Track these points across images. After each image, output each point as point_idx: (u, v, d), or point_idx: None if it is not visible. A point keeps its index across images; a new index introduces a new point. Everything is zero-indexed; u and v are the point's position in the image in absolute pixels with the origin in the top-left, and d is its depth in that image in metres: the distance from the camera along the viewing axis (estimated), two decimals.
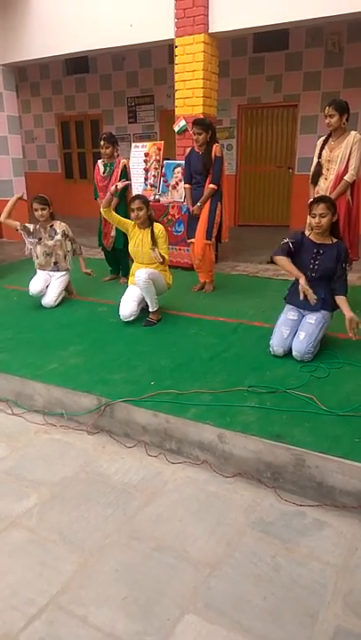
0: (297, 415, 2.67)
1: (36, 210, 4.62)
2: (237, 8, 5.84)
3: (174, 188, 6.41)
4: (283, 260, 3.38)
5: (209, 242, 5.00)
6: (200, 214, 4.95)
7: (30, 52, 7.73)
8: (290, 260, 3.39)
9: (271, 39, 8.11)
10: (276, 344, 3.41)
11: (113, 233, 5.47)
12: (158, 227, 4.17)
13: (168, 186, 6.49)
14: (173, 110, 6.56)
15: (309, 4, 5.47)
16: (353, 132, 4.10)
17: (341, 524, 2.17)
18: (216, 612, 1.75)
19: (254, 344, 3.68)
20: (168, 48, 7.59)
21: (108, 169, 5.39)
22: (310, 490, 2.32)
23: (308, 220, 3.40)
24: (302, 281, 3.30)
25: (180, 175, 6.23)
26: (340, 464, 2.25)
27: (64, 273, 4.84)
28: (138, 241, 4.20)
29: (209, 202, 4.92)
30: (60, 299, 4.78)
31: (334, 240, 3.44)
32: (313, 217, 3.33)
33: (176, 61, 6.31)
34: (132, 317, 4.17)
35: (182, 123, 6.33)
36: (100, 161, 5.53)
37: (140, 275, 4.02)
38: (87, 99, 10.90)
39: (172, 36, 6.26)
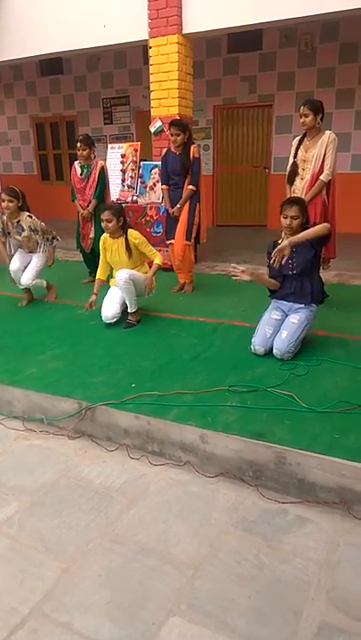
0: (277, 413, 2.69)
1: (3, 201, 4.52)
2: (211, 8, 5.86)
3: (152, 189, 6.40)
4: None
5: (188, 242, 5.01)
6: (179, 215, 4.96)
7: (3, 53, 7.62)
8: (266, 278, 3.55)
9: (245, 40, 8.16)
10: (258, 343, 3.43)
11: (92, 235, 5.43)
12: (133, 234, 4.12)
13: (145, 187, 6.48)
14: (149, 111, 6.55)
15: (282, 5, 5.51)
16: (328, 132, 4.14)
17: (323, 519, 2.19)
18: (201, 613, 1.75)
19: (234, 343, 3.69)
20: (143, 49, 7.56)
21: (85, 170, 5.35)
22: (292, 487, 2.33)
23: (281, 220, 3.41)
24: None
25: (157, 176, 6.23)
26: (320, 460, 2.27)
27: (41, 255, 4.80)
28: (114, 251, 4.17)
29: (188, 203, 4.92)
30: (36, 277, 4.76)
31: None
32: (285, 218, 3.34)
33: (151, 62, 6.30)
34: (115, 319, 4.15)
35: (158, 123, 6.32)
36: (76, 162, 5.49)
37: (120, 275, 4.01)
38: (62, 100, 10.82)
39: (146, 37, 6.25)
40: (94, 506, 2.31)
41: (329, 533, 2.11)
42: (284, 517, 2.21)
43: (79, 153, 5.32)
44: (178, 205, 4.91)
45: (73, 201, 5.53)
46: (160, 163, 5.30)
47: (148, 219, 6.22)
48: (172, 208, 4.97)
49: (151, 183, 6.38)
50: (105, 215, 4.02)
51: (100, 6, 6.56)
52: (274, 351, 3.37)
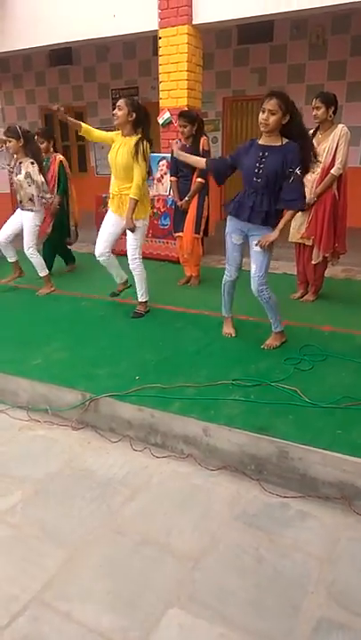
0: (281, 408, 2.68)
1: (5, 142, 4.48)
2: None
3: (159, 181, 6.37)
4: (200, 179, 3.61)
5: (197, 236, 5.00)
6: (188, 208, 4.93)
7: (12, 43, 7.60)
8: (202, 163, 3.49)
9: (255, 31, 8.06)
10: (233, 269, 3.53)
11: (49, 229, 5.38)
12: (143, 146, 3.82)
13: (153, 179, 6.44)
14: (158, 102, 6.51)
15: None
16: (340, 125, 4.08)
17: (324, 514, 2.19)
18: (200, 605, 1.76)
19: (239, 337, 3.68)
20: (152, 39, 7.51)
21: (44, 164, 5.29)
22: (294, 481, 2.33)
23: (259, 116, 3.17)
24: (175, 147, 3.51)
25: (164, 168, 6.20)
26: (322, 455, 2.27)
27: (31, 216, 4.65)
28: (115, 149, 3.90)
29: (197, 196, 4.90)
30: (33, 246, 4.73)
31: (285, 141, 3.14)
32: (262, 112, 3.06)
33: (160, 53, 6.26)
34: (103, 258, 4.15)
35: (166, 115, 6.29)
36: None
37: (131, 261, 4.04)
38: (71, 91, 10.78)
39: (156, 27, 6.20)
40: (97, 496, 2.32)
41: (330, 528, 2.11)
42: (285, 512, 2.22)
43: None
44: (186, 198, 4.89)
45: None
46: (168, 155, 5.27)
47: (155, 211, 6.19)
48: (181, 200, 4.95)
49: (158, 175, 6.35)
50: (119, 102, 3.77)
51: None
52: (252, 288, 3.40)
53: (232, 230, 3.43)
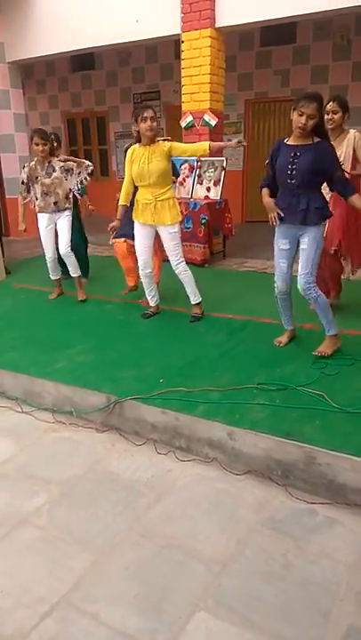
0: (307, 412, 2.65)
1: (37, 144, 4.42)
2: (244, 1, 5.80)
3: (181, 184, 6.39)
4: (263, 192, 3.35)
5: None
6: None
7: (36, 49, 7.73)
8: (268, 192, 3.32)
9: (278, 33, 8.04)
10: (279, 280, 3.40)
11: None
12: (168, 143, 3.89)
13: (175, 182, 6.45)
14: (180, 106, 6.54)
15: None
16: (352, 131, 3.95)
17: (353, 521, 2.15)
18: (227, 610, 1.75)
19: (263, 341, 3.65)
20: (174, 43, 7.55)
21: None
22: (321, 487, 2.30)
23: (292, 117, 3.12)
24: (270, 203, 3.27)
25: (187, 171, 6.22)
26: (351, 461, 2.23)
27: (67, 213, 4.65)
28: (143, 159, 3.84)
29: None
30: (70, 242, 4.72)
31: (316, 140, 3.14)
32: (300, 115, 3.02)
33: (182, 57, 6.28)
34: (150, 270, 4.15)
35: (189, 118, 6.31)
36: None
37: (175, 267, 4.04)
38: (93, 95, 10.88)
39: (179, 31, 6.23)
40: (122, 499, 2.32)
41: (359, 535, 2.08)
42: (312, 518, 2.19)
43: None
44: None
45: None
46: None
47: None
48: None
49: (181, 178, 6.37)
50: (151, 113, 3.76)
51: (133, 1, 6.57)
52: (298, 287, 3.30)
53: (280, 237, 3.35)
